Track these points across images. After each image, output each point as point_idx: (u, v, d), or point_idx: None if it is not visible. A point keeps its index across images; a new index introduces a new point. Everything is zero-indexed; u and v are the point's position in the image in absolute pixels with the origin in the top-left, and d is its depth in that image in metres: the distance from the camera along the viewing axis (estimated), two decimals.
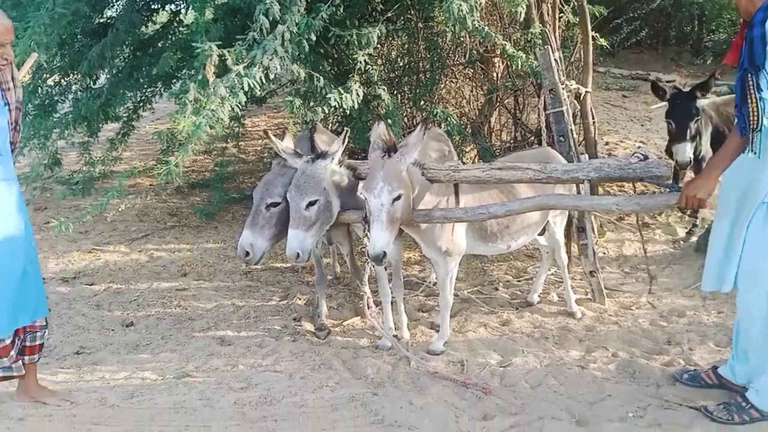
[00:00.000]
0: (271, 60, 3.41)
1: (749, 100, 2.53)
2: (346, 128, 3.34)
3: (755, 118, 2.51)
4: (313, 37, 4.22)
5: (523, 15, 4.42)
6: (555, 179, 3.19)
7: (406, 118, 6.17)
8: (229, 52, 3.37)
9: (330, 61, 5.90)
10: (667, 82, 9.78)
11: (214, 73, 3.36)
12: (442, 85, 6.03)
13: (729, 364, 3.05)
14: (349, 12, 5.29)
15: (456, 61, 5.97)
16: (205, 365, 3.52)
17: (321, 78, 4.62)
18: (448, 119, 5.23)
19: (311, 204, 3.13)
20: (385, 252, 2.90)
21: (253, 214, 3.27)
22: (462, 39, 5.57)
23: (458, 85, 6.09)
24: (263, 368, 3.46)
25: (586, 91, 5.06)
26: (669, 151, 4.68)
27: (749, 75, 2.52)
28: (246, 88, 3.32)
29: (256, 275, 4.79)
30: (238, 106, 3.35)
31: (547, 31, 4.92)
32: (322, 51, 5.66)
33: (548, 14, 5.43)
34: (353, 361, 3.51)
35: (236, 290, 4.55)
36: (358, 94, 4.74)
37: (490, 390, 3.13)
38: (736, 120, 2.66)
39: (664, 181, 2.99)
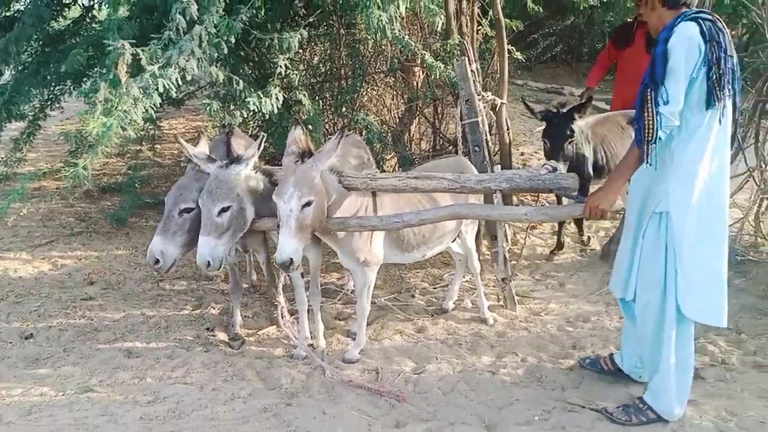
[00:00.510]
0: (187, 61, 3.33)
1: (646, 114, 2.65)
2: (262, 133, 3.31)
3: (650, 131, 2.63)
4: (233, 39, 4.17)
5: (440, 26, 4.50)
6: (469, 189, 3.27)
7: (328, 124, 6.15)
8: (143, 51, 3.26)
9: (251, 64, 5.81)
10: (579, 96, 10.22)
11: (126, 72, 3.24)
12: (364, 93, 6.05)
13: (620, 353, 3.30)
14: (271, 15, 5.25)
15: (377, 68, 6.01)
16: (110, 379, 3.38)
17: (240, 81, 4.55)
18: (369, 126, 5.26)
19: (223, 210, 3.06)
20: (292, 259, 2.88)
21: (164, 220, 3.17)
22: (383, 47, 5.62)
23: (379, 92, 6.12)
24: (173, 380, 3.35)
25: (502, 103, 5.19)
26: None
27: (649, 90, 2.65)
28: (161, 89, 3.22)
29: (168, 284, 4.64)
30: (152, 107, 3.25)
31: (465, 42, 5.03)
32: (242, 54, 5.58)
33: (467, 26, 5.56)
34: (267, 371, 3.46)
35: (147, 299, 4.39)
36: (277, 98, 4.70)
37: (404, 397, 3.16)
38: (633, 133, 2.80)
39: (571, 192, 3.11)
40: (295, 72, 5.13)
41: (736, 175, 4.58)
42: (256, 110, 4.40)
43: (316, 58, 6.27)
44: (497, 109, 5.34)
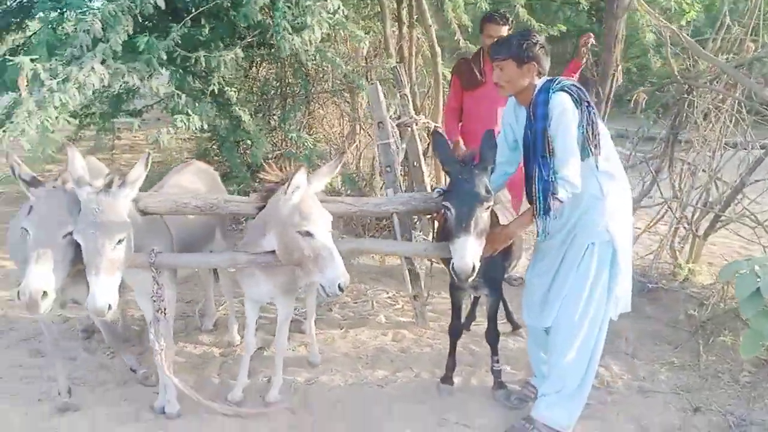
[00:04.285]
0: (87, 76, 3.42)
1: (533, 190, 2.79)
2: (148, 151, 3.06)
3: (540, 206, 2.77)
4: (164, 56, 4.31)
5: (366, 49, 4.65)
6: (368, 212, 3.35)
7: (275, 142, 6.28)
8: (42, 66, 3.36)
9: (200, 79, 5.95)
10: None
11: (27, 86, 3.34)
12: (310, 112, 6.19)
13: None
14: (213, 35, 5.37)
15: (323, 88, 6.15)
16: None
17: (183, 96, 4.67)
18: (305, 144, 5.39)
19: (119, 242, 2.63)
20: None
21: (42, 248, 2.60)
22: (325, 68, 5.77)
23: (325, 111, 6.26)
24: None
25: (435, 126, 5.32)
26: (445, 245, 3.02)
27: (534, 166, 2.79)
28: (56, 104, 3.29)
29: None
30: (47, 120, 3.33)
31: (397, 66, 5.16)
32: (190, 69, 5.72)
33: (406, 49, 5.72)
34: None
35: None
36: (208, 115, 4.83)
37: (253, 414, 3.18)
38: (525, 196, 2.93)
39: None
40: (233, 90, 5.26)
41: (653, 206, 4.71)
42: (184, 128, 4.51)
43: (265, 76, 6.40)
44: (431, 132, 5.48)
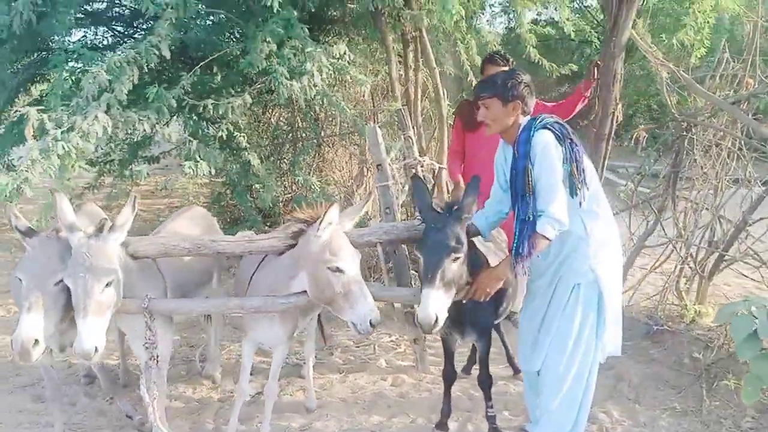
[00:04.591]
0: (91, 125, 3.55)
1: (517, 229, 2.79)
2: (133, 194, 3.11)
3: (515, 245, 2.77)
4: (174, 104, 4.46)
5: (367, 92, 4.74)
6: (352, 243, 3.36)
7: (286, 186, 6.39)
8: (48, 116, 3.52)
9: (212, 125, 6.12)
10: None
11: (33, 135, 3.49)
12: (321, 155, 6.30)
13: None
14: (225, 81, 5.55)
15: (332, 132, 6.27)
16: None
17: (194, 142, 4.81)
18: (312, 187, 5.48)
19: (107, 285, 2.70)
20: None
21: (34, 297, 2.69)
22: (333, 112, 5.88)
23: (335, 154, 6.36)
24: None
25: (440, 167, 5.37)
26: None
27: (516, 206, 2.82)
28: (60, 152, 3.42)
29: None
30: (50, 168, 3.45)
31: (401, 109, 5.24)
32: (202, 115, 5.89)
33: (412, 92, 5.82)
34: None
35: None
36: (216, 161, 4.95)
37: None
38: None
39: None
40: (242, 135, 5.39)
41: (657, 245, 4.63)
42: (192, 174, 4.62)
43: (276, 120, 6.54)
44: (436, 173, 5.53)
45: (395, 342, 4.69)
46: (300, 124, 6.13)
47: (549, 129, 2.78)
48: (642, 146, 4.33)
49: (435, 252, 2.74)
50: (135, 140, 6.49)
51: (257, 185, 5.53)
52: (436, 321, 2.69)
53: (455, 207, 2.87)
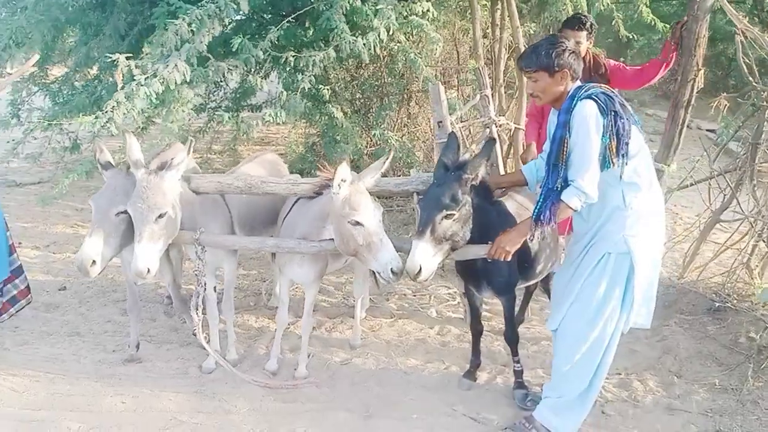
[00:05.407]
0: (171, 73, 3.92)
1: (542, 194, 2.81)
2: (191, 138, 3.53)
3: (536, 209, 2.80)
4: (261, 55, 4.78)
5: (438, 51, 4.78)
6: (388, 192, 3.53)
7: (370, 139, 6.59)
8: (135, 63, 3.92)
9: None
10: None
11: (122, 80, 3.92)
12: (407, 110, 6.44)
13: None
14: (315, 35, 5.79)
15: (418, 87, 6.36)
16: None
17: (285, 93, 5.13)
18: (389, 142, 5.66)
19: (160, 216, 3.04)
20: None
21: (98, 222, 3.12)
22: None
23: (420, 110, 6.47)
24: None
25: (516, 127, 5.36)
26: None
27: (546, 169, 2.84)
28: (142, 96, 3.82)
29: None
30: (133, 110, 3.86)
31: (480, 68, 5.25)
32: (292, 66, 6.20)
33: (497, 50, 5.79)
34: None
35: None
36: (295, 111, 5.25)
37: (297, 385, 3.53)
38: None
39: None
40: (327, 88, 5.62)
41: (733, 220, 4.41)
42: (271, 121, 4.95)
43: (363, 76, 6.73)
44: (512, 133, 5.52)
45: (451, 295, 4.84)
46: (386, 80, 6.28)
47: (594, 99, 2.72)
48: (722, 116, 4.10)
49: (428, 207, 2.87)
50: (240, 90, 6.98)
51: (336, 137, 5.79)
52: (420, 271, 2.81)
53: (460, 166, 2.94)
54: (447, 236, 2.89)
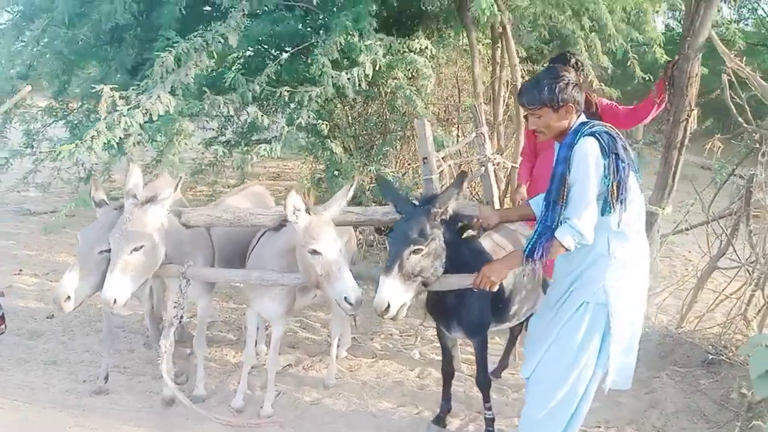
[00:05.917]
0: (153, 105, 3.97)
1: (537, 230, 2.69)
2: (181, 175, 3.50)
3: (529, 246, 2.67)
4: (257, 89, 4.84)
5: (430, 87, 4.78)
6: (376, 221, 3.46)
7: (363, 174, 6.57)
8: (120, 94, 3.98)
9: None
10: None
11: (106, 110, 3.98)
12: (409, 146, 6.42)
13: None
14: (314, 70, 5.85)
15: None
16: None
17: (286, 127, 5.17)
18: (386, 177, 5.63)
19: (135, 250, 3.02)
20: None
21: (81, 259, 3.14)
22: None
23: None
24: None
25: (513, 166, 5.29)
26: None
27: (545, 210, 2.69)
28: (123, 126, 3.88)
29: None
30: (113, 139, 3.90)
31: (476, 106, 5.21)
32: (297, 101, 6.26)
33: (497, 89, 5.76)
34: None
35: None
36: (291, 147, 5.28)
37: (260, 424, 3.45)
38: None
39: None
40: (324, 123, 5.64)
41: (730, 268, 4.22)
42: (266, 156, 4.98)
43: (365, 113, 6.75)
44: (509, 171, 5.45)
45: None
46: (388, 116, 6.28)
47: (596, 138, 2.60)
48: (716, 158, 3.96)
49: (396, 242, 2.78)
50: (246, 125, 7.08)
51: (335, 172, 5.79)
52: (388, 308, 2.70)
53: (429, 200, 2.87)
54: (416, 272, 2.78)
